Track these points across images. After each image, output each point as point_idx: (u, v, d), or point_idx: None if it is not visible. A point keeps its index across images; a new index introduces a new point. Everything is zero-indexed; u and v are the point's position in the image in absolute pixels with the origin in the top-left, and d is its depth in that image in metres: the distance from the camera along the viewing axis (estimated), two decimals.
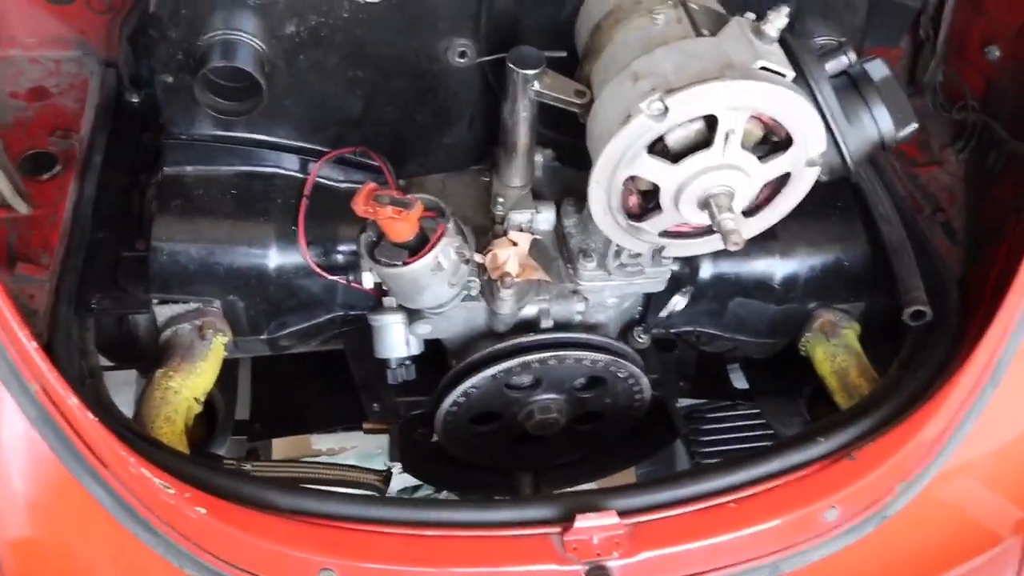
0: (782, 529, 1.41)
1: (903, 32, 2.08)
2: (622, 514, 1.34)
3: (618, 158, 1.24)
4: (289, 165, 1.64)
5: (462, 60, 1.53)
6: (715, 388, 2.20)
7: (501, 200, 1.55)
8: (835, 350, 1.73)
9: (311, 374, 2.05)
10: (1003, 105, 1.84)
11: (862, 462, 1.46)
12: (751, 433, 2.50)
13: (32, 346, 1.21)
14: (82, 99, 1.85)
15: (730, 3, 1.43)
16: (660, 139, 1.24)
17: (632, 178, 1.29)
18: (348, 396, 1.87)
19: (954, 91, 1.99)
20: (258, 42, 1.45)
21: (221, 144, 1.61)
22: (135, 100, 1.86)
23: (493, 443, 1.71)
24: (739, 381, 2.21)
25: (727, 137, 1.22)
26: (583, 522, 1.31)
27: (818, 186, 1.53)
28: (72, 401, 1.23)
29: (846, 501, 1.44)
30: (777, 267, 1.70)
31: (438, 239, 1.38)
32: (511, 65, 1.37)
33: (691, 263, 1.69)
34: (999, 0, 1.87)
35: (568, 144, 1.62)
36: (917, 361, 1.62)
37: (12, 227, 1.59)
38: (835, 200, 1.77)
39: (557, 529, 1.33)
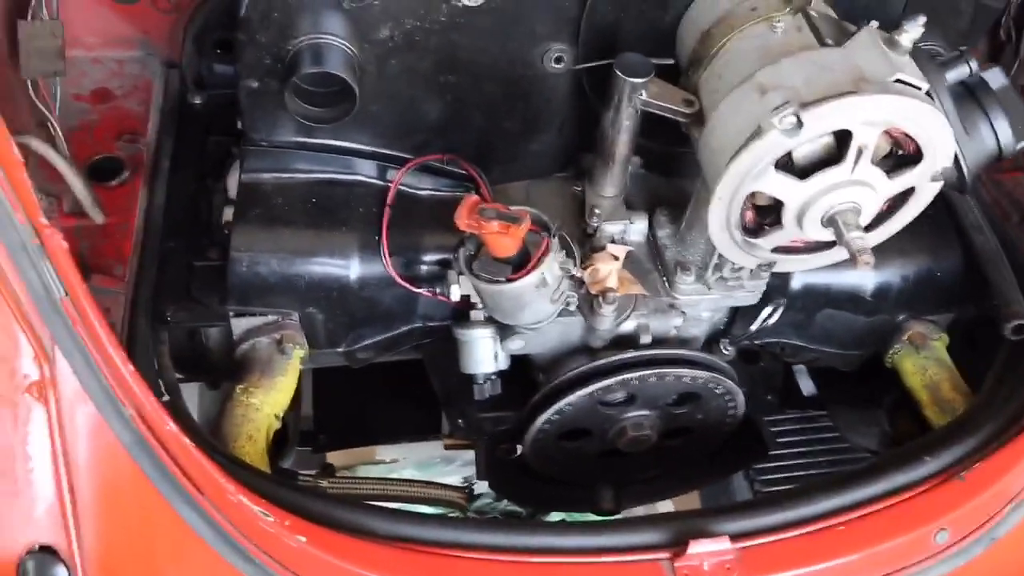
0: (893, 551, 1.37)
1: (981, 33, 2.03)
2: (734, 538, 1.30)
3: (744, 173, 1.19)
4: (370, 172, 1.59)
5: (558, 66, 1.48)
6: (785, 397, 2.15)
7: (597, 211, 1.50)
8: (926, 363, 1.68)
9: (374, 384, 2.01)
10: None
11: (971, 482, 1.42)
12: (814, 448, 2.45)
13: (129, 369, 1.16)
14: (146, 101, 1.80)
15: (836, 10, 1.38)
16: (787, 154, 1.19)
17: (754, 194, 1.24)
18: (417, 407, 1.82)
19: None
20: (350, 46, 1.39)
21: (302, 151, 1.55)
22: (198, 102, 1.80)
23: (579, 459, 1.66)
24: (806, 386, 2.16)
25: (859, 152, 1.16)
26: (696, 548, 1.27)
27: None
28: (170, 427, 1.18)
29: (956, 523, 1.40)
30: (869, 278, 1.65)
31: (544, 254, 1.33)
32: (619, 73, 1.31)
33: (782, 275, 1.64)
34: None
35: (658, 152, 1.57)
36: (1015, 376, 1.58)
37: (84, 236, 1.54)
38: (926, 209, 1.72)
39: (667, 555, 1.29)
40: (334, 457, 2.22)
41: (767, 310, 1.62)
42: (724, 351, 1.68)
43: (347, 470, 2.10)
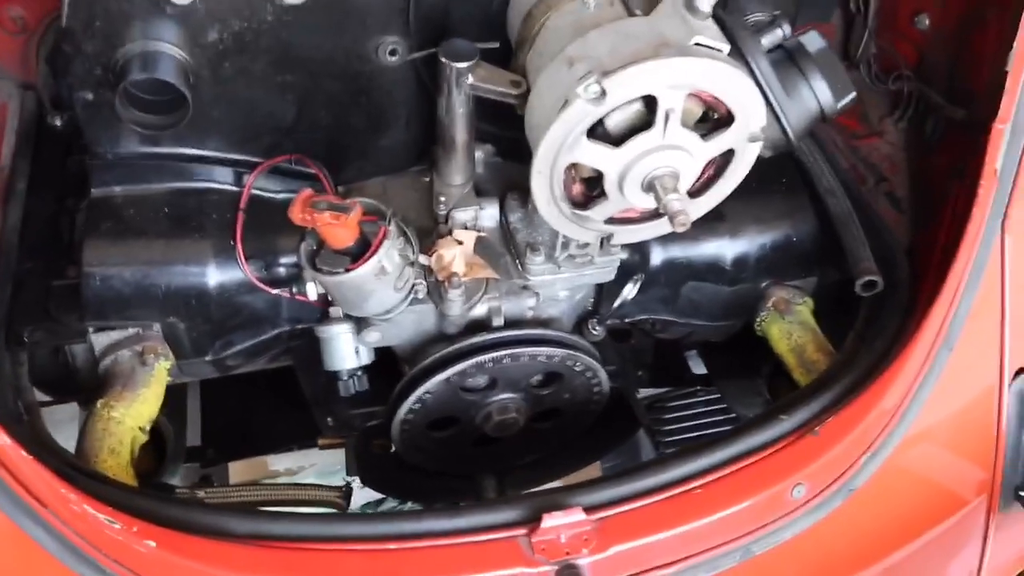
0: (751, 511, 1.40)
1: (834, 7, 2.09)
2: (588, 510, 1.31)
3: (558, 145, 1.21)
4: (222, 179, 1.59)
5: (393, 58, 1.49)
6: (674, 376, 2.19)
7: (443, 199, 1.52)
8: (790, 327, 1.72)
9: (262, 393, 2.00)
10: (936, 72, 1.86)
11: (825, 437, 1.45)
12: (715, 419, 2.51)
13: None
14: (2, 126, 1.78)
15: None
16: (600, 123, 1.22)
17: (574, 166, 1.27)
18: (301, 413, 1.81)
19: (888, 62, 2.00)
20: (180, 51, 1.39)
21: (149, 161, 1.55)
22: (58, 123, 1.79)
23: (453, 448, 1.67)
24: (697, 367, 2.21)
25: (667, 117, 1.19)
26: (550, 521, 1.28)
27: (762, 164, 1.52)
28: (4, 441, 1.16)
29: (812, 477, 1.43)
30: (727, 248, 1.69)
31: (380, 242, 1.34)
32: (443, 59, 1.33)
33: (641, 251, 1.67)
34: None
35: (508, 138, 1.59)
36: (872, 332, 1.62)
37: None
38: (780, 177, 1.76)
39: (524, 531, 1.30)
40: (236, 472, 2.20)
41: (627, 287, 1.64)
42: (593, 331, 1.70)
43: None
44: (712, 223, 1.67)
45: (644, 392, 2.69)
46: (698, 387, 2.26)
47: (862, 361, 1.56)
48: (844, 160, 1.91)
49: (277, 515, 1.32)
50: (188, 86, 1.40)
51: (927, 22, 1.89)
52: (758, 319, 1.76)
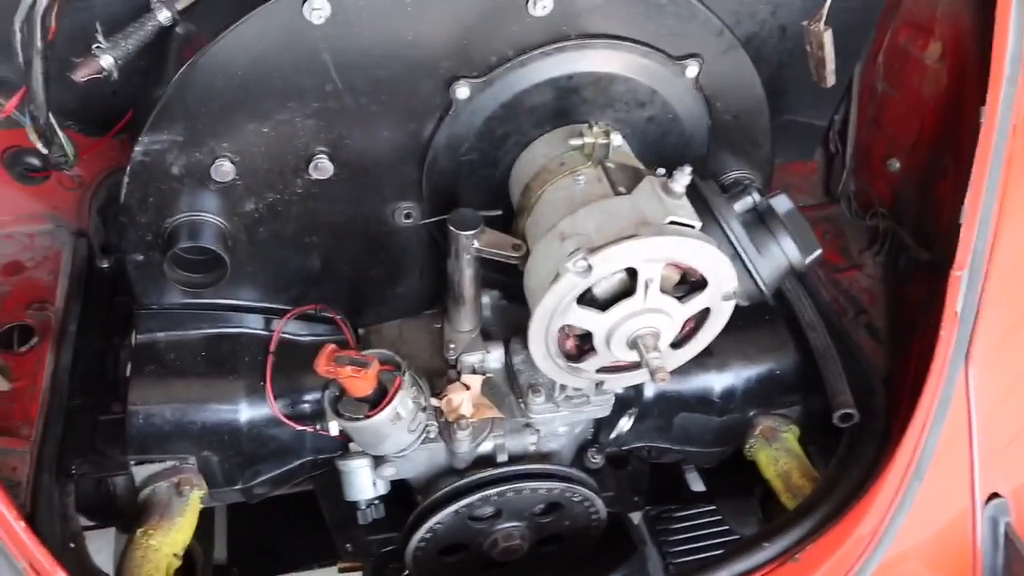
0: None
1: (815, 147, 2.28)
2: None
3: (551, 311, 1.38)
4: (254, 324, 1.75)
5: (407, 221, 1.68)
6: (674, 492, 2.31)
7: (452, 345, 1.67)
8: (777, 454, 1.84)
9: (285, 514, 2.13)
10: (907, 212, 2.02)
11: (805, 563, 1.57)
12: (720, 528, 2.60)
13: (20, 525, 1.30)
14: (56, 270, 1.96)
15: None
16: (588, 291, 1.38)
17: (568, 325, 1.42)
18: (322, 534, 1.94)
19: (866, 199, 2.17)
20: (220, 220, 1.58)
21: (190, 311, 1.72)
22: (105, 266, 1.98)
23: (463, 572, 1.79)
24: (696, 483, 2.32)
25: (647, 285, 1.36)
26: None
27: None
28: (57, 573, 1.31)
29: None
30: (715, 381, 1.83)
31: (395, 392, 1.49)
32: (452, 228, 1.51)
33: (636, 386, 1.81)
34: (894, 117, 2.06)
35: (513, 284, 1.75)
36: (851, 459, 1.74)
37: None
38: (763, 314, 1.90)
39: None
40: None
41: (621, 420, 1.78)
42: (592, 460, 1.84)
43: None
44: (701, 358, 1.79)
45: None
46: (698, 504, 2.36)
47: (840, 489, 1.67)
48: (826, 292, 2.05)
49: None
50: (227, 250, 1.58)
51: (897, 165, 2.06)
52: (747, 446, 1.88)
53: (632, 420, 1.78)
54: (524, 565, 1.81)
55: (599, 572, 1.92)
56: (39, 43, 1.34)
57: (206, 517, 1.97)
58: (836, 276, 2.12)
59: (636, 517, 2.45)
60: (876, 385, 1.83)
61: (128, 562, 1.60)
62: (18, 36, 1.34)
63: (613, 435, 1.79)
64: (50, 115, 1.43)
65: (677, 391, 1.83)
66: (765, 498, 2.00)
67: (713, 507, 2.51)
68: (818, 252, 1.58)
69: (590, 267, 1.32)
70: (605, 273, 1.34)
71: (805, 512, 1.65)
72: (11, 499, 1.29)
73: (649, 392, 1.82)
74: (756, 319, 1.89)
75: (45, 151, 1.48)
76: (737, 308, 1.67)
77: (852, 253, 2.17)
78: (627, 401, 1.81)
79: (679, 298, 1.41)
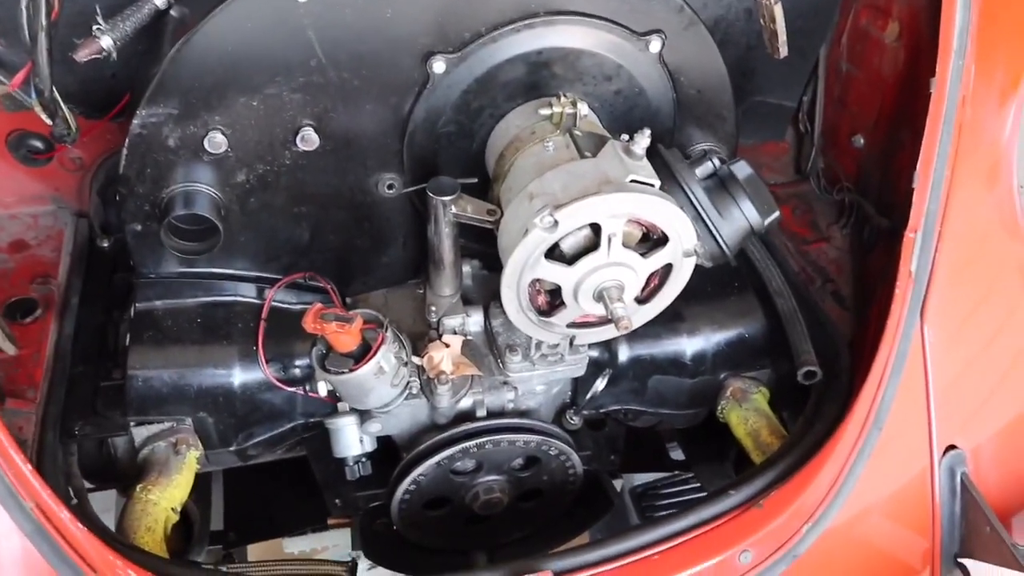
0: (703, 574, 1.60)
1: (785, 128, 2.38)
2: (558, 573, 1.52)
3: (521, 265, 1.47)
4: (247, 292, 1.84)
5: (390, 191, 1.77)
6: (655, 462, 2.40)
7: (434, 308, 1.77)
8: (747, 414, 1.93)
9: (278, 483, 2.23)
10: (870, 185, 2.12)
11: (768, 509, 1.66)
12: (699, 496, 2.69)
13: (27, 468, 1.39)
14: (58, 248, 2.06)
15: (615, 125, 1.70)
16: (556, 246, 1.48)
17: (538, 280, 1.52)
18: (313, 500, 2.03)
19: (833, 175, 2.27)
20: (214, 190, 1.68)
21: (185, 279, 1.82)
22: (105, 245, 2.08)
23: (447, 526, 1.88)
24: (676, 452, 2.42)
25: (610, 240, 1.45)
26: None
27: (716, 270, 1.78)
28: (64, 515, 1.40)
29: (758, 544, 1.63)
30: (686, 345, 1.92)
31: (378, 347, 1.59)
32: (430, 194, 1.60)
33: (610, 349, 1.90)
34: (858, 96, 2.16)
35: (492, 254, 1.85)
36: (816, 416, 1.84)
37: (1, 368, 1.78)
38: (732, 282, 2.00)
39: None
40: (253, 555, 2.40)
41: (597, 381, 1.88)
42: (571, 420, 1.93)
43: None
44: (673, 323, 1.91)
45: (640, 479, 2.91)
46: (677, 472, 2.46)
47: (804, 442, 1.77)
48: (795, 263, 2.15)
49: None
50: (220, 218, 1.68)
51: (862, 142, 2.16)
52: (719, 407, 1.97)
53: (606, 381, 1.87)
54: (505, 520, 1.90)
55: (577, 527, 2.01)
56: (44, 19, 1.44)
57: (203, 483, 2.07)
58: (804, 248, 2.21)
59: (619, 484, 2.55)
60: (841, 347, 1.92)
61: (128, 516, 1.69)
62: (24, 13, 1.44)
63: (589, 395, 1.88)
64: (54, 88, 1.53)
65: (650, 354, 1.92)
66: (738, 461, 2.09)
67: (693, 476, 2.61)
68: (776, 214, 1.67)
69: (556, 222, 1.42)
70: (570, 228, 1.44)
71: (770, 464, 1.74)
72: (18, 445, 1.38)
73: (623, 355, 1.91)
74: (726, 287, 1.99)
75: (50, 122, 1.57)
76: (707, 276, 1.78)
77: (820, 227, 2.27)
78: (601, 364, 1.90)
79: (642, 254, 1.50)
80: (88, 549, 1.40)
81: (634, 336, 1.90)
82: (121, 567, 1.42)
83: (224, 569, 1.77)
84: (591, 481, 1.94)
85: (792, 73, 2.24)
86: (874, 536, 1.79)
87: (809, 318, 1.95)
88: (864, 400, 1.71)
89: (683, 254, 1.54)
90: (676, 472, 2.71)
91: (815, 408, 1.87)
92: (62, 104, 1.58)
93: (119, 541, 1.55)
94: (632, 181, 1.45)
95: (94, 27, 1.57)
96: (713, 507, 1.66)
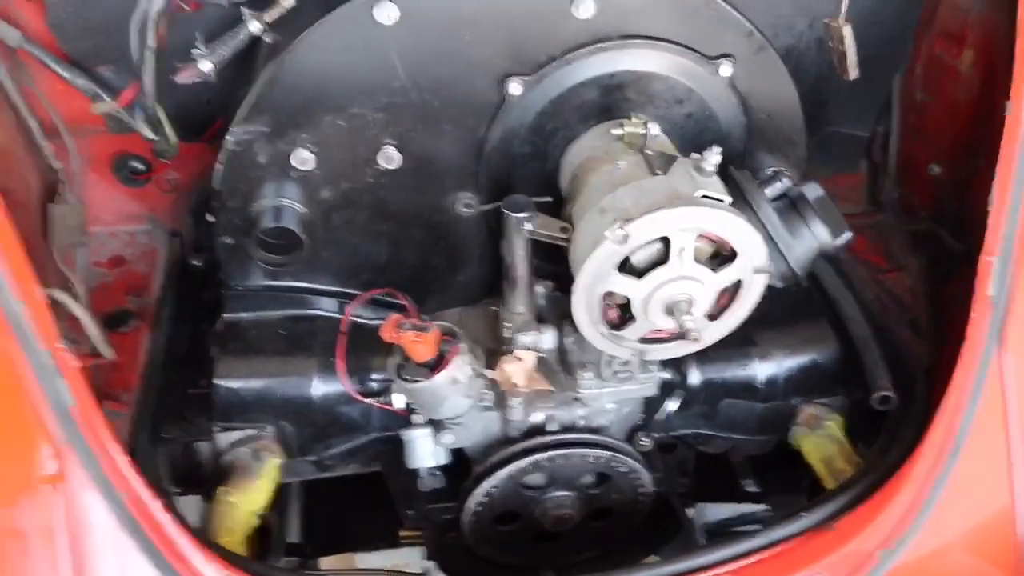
0: None
1: (859, 158, 2.38)
2: None
3: (593, 278, 1.51)
4: (328, 307, 1.92)
5: (467, 210, 1.84)
6: (727, 492, 2.38)
7: (508, 325, 1.81)
8: (820, 440, 1.91)
9: (354, 499, 2.28)
10: (947, 214, 2.10)
11: (841, 532, 1.64)
12: None
13: (123, 460, 1.47)
14: (152, 264, 2.19)
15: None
16: (627, 260, 1.51)
17: (610, 293, 1.55)
18: (387, 516, 2.08)
19: (908, 205, 2.26)
20: (300, 206, 1.77)
21: (271, 293, 1.90)
22: (196, 263, 2.20)
23: (516, 542, 1.90)
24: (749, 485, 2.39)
25: (680, 253, 1.48)
26: None
27: (789, 297, 1.79)
28: (155, 507, 1.47)
29: (831, 567, 1.61)
30: (758, 369, 1.92)
31: (453, 356, 1.64)
32: (505, 211, 1.66)
33: (681, 371, 1.91)
34: (934, 124, 2.16)
35: (565, 275, 1.89)
36: (891, 444, 1.81)
37: (98, 372, 1.88)
38: (805, 308, 2.00)
39: None
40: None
41: (668, 401, 1.89)
42: (642, 442, 1.94)
43: None
44: (744, 347, 1.92)
45: (712, 515, 2.87)
46: (751, 503, 2.42)
47: (880, 467, 1.74)
48: (869, 291, 2.13)
49: None
50: (305, 232, 1.77)
51: (938, 170, 2.15)
52: (791, 434, 1.96)
53: (678, 402, 1.88)
54: (574, 539, 1.91)
55: (645, 549, 2.00)
56: (151, 41, 1.55)
57: (281, 495, 2.14)
58: (880, 277, 2.20)
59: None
60: (917, 374, 1.89)
61: (211, 516, 1.76)
62: (134, 36, 1.56)
63: (660, 416, 1.89)
64: (157, 105, 1.64)
65: (721, 377, 1.92)
66: (811, 491, 2.06)
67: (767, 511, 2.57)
68: (848, 235, 1.68)
69: (627, 235, 1.45)
70: (640, 241, 1.47)
71: (844, 488, 1.73)
72: (116, 435, 1.46)
73: (694, 378, 1.92)
74: (798, 313, 1.99)
75: (153, 137, 1.69)
76: (780, 302, 1.79)
77: (896, 256, 2.25)
78: (673, 386, 1.91)
79: (712, 269, 1.53)
80: (176, 540, 1.47)
81: (705, 359, 1.91)
82: (206, 560, 1.48)
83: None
84: (661, 504, 1.94)
85: (865, 103, 2.24)
86: (952, 565, 1.74)
87: (884, 345, 1.94)
88: (941, 426, 1.68)
89: (753, 271, 1.56)
90: (750, 512, 2.68)
91: (891, 434, 1.84)
92: (164, 120, 1.69)
93: (203, 537, 1.61)
94: (703, 196, 1.48)
95: (194, 51, 1.69)
96: (785, 528, 1.64)
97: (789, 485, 2.16)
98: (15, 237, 1.38)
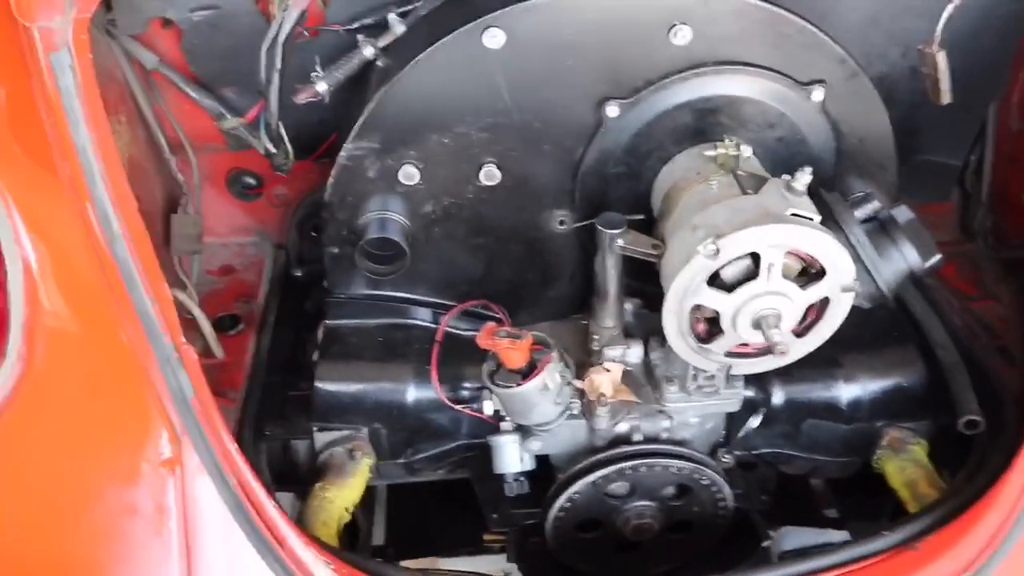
0: None
1: (950, 187, 2.38)
2: None
3: (684, 291, 1.56)
4: (424, 317, 2.01)
5: (562, 227, 1.91)
6: (807, 517, 2.38)
7: (596, 338, 1.87)
8: (904, 464, 1.91)
9: (439, 505, 2.35)
10: None
11: (925, 553, 1.64)
12: None
13: (233, 447, 1.57)
14: (259, 274, 2.33)
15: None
16: (717, 274, 1.56)
17: (698, 307, 1.61)
18: (471, 523, 2.15)
19: (1001, 233, 2.26)
20: (403, 219, 1.87)
21: (371, 302, 2.00)
22: (299, 274, 2.32)
23: (597, 550, 1.94)
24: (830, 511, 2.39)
25: (770, 269, 1.53)
26: None
27: (876, 321, 1.81)
28: (260, 492, 1.57)
29: None
30: (842, 391, 1.94)
31: (545, 364, 1.71)
32: (599, 227, 1.73)
33: (765, 389, 1.95)
34: None
35: (653, 294, 1.94)
36: (978, 469, 1.81)
37: (209, 371, 2.01)
38: (892, 332, 2.01)
39: None
40: None
41: (751, 419, 1.92)
42: (723, 459, 1.97)
43: None
44: (829, 369, 1.94)
45: (790, 543, 2.86)
46: (830, 528, 2.42)
47: (966, 491, 1.74)
48: (959, 319, 2.13)
49: (450, 572, 1.64)
50: (408, 244, 1.87)
51: None
52: (875, 457, 1.97)
53: (760, 418, 1.91)
54: (654, 551, 1.95)
55: (724, 565, 2.02)
56: (278, 63, 1.68)
57: (368, 498, 2.23)
58: (970, 305, 2.19)
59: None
60: (1007, 401, 1.89)
61: (307, 510, 1.85)
62: (263, 59, 1.69)
63: (742, 433, 1.92)
64: (279, 123, 1.77)
65: (805, 397, 1.95)
66: (894, 517, 2.05)
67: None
68: (937, 257, 1.70)
69: (718, 250, 1.51)
70: (731, 256, 1.52)
71: (929, 509, 1.73)
72: (226, 423, 1.57)
73: (777, 397, 1.95)
74: (885, 336, 2.00)
75: (274, 150, 1.81)
76: (867, 326, 1.82)
77: (987, 285, 2.24)
78: (756, 404, 1.95)
79: (800, 286, 1.57)
80: (279, 526, 1.56)
81: (789, 379, 1.94)
82: (305, 546, 1.57)
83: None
84: (740, 522, 1.97)
85: (958, 131, 2.25)
86: None
87: (973, 371, 1.94)
88: None
89: (841, 289, 1.59)
90: (830, 541, 2.66)
91: (978, 459, 1.84)
92: (285, 137, 1.81)
93: (301, 527, 1.71)
94: (792, 215, 1.53)
95: (312, 74, 1.82)
96: (868, 545, 1.66)
97: (870, 513, 2.15)
98: (147, 238, 1.51)
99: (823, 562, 1.64)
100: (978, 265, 2.28)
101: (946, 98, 1.73)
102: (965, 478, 1.82)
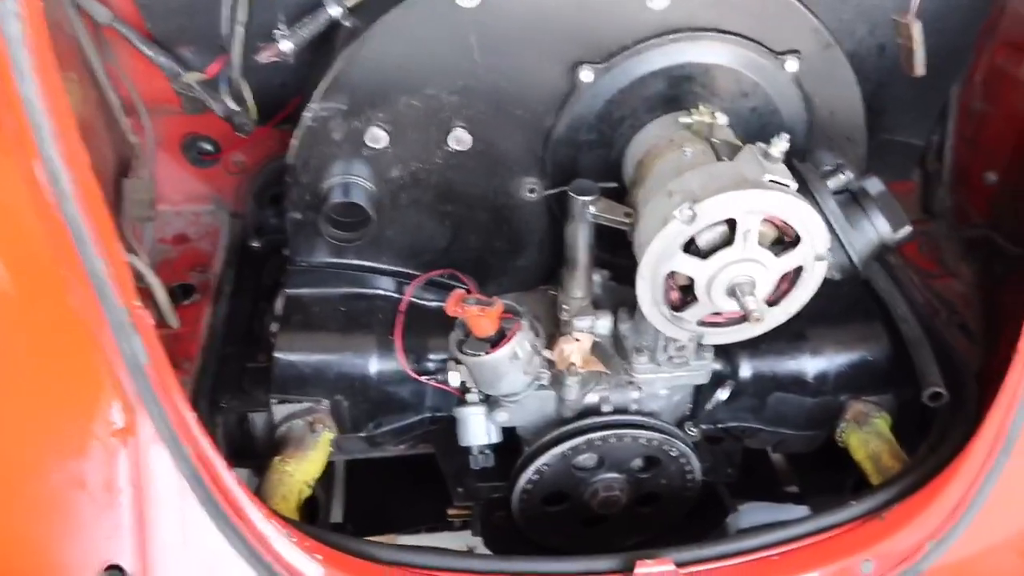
0: None
1: (912, 166, 2.40)
2: (678, 564, 1.55)
3: (658, 257, 1.54)
4: (388, 286, 1.97)
5: (531, 195, 1.88)
6: (767, 492, 2.39)
7: (566, 308, 1.85)
8: (867, 437, 1.92)
9: (398, 481, 2.31)
10: (1003, 219, 2.12)
11: (890, 522, 1.65)
12: None
13: (190, 416, 1.51)
14: (215, 243, 2.25)
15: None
16: (692, 241, 1.54)
17: (672, 275, 1.58)
18: (432, 499, 2.11)
19: (962, 212, 2.28)
20: (369, 184, 1.81)
21: (334, 270, 1.95)
22: (256, 245, 2.25)
23: (564, 524, 1.92)
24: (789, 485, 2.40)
25: (745, 235, 1.51)
26: (642, 569, 1.52)
27: (842, 296, 1.80)
28: (218, 462, 1.51)
29: (879, 556, 1.62)
30: (808, 364, 1.94)
31: (515, 332, 1.67)
32: (571, 194, 1.70)
33: (732, 363, 1.94)
34: (992, 134, 2.18)
35: (622, 265, 1.92)
36: (940, 442, 1.82)
37: (163, 341, 1.93)
38: (858, 306, 2.02)
39: None
40: None
41: (718, 391, 1.91)
42: (690, 432, 1.96)
43: None
44: (796, 342, 1.94)
45: (747, 520, 2.87)
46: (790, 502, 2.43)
47: (929, 462, 1.76)
48: (920, 295, 2.15)
49: (417, 548, 1.61)
50: (374, 209, 1.81)
51: (994, 178, 2.17)
52: (839, 430, 1.98)
53: (728, 392, 1.90)
54: (621, 524, 1.93)
55: (690, 538, 2.02)
56: (241, 16, 1.61)
57: (327, 475, 2.17)
58: (931, 282, 2.22)
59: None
60: (967, 376, 1.91)
61: (266, 483, 1.79)
62: (225, 10, 1.62)
63: (710, 405, 1.91)
64: (242, 79, 1.70)
65: (772, 371, 1.95)
66: (856, 490, 2.07)
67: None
68: (908, 228, 1.70)
69: (694, 215, 1.49)
70: (707, 222, 1.50)
71: (893, 480, 1.74)
72: (183, 389, 1.50)
73: (745, 371, 1.94)
74: (851, 311, 2.01)
75: (236, 108, 1.74)
76: (834, 300, 1.81)
77: (948, 263, 2.27)
78: (724, 377, 1.94)
79: (775, 253, 1.55)
80: (237, 497, 1.50)
81: (756, 352, 1.94)
82: (264, 518, 1.52)
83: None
84: (706, 496, 1.96)
85: (921, 112, 2.26)
86: (1001, 562, 1.75)
87: (935, 347, 1.95)
88: (992, 424, 1.69)
89: (814, 257, 1.58)
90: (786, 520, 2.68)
91: (940, 432, 1.86)
92: (248, 94, 1.74)
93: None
94: (770, 181, 1.51)
95: (275, 32, 1.75)
96: (835, 515, 1.66)
97: (830, 488, 2.17)
98: (100, 197, 1.43)
99: (791, 532, 1.63)
100: (939, 244, 2.31)
101: (920, 69, 1.73)
102: (928, 450, 1.84)
